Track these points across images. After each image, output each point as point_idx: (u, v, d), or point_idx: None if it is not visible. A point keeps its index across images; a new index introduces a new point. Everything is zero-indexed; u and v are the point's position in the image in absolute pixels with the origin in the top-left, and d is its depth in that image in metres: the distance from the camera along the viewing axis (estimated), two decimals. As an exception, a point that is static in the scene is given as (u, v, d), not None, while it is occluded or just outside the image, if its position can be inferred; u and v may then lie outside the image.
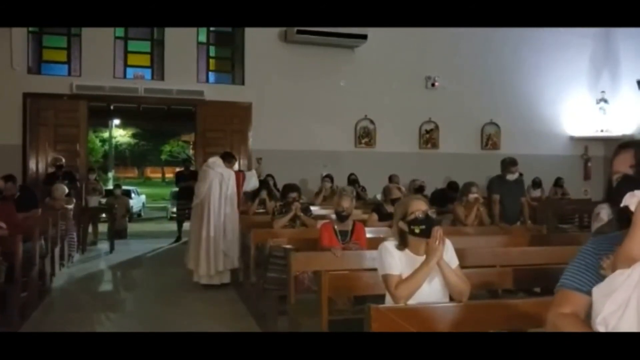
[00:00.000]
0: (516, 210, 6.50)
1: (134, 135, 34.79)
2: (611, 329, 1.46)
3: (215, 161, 6.74)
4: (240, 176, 6.81)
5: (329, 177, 9.36)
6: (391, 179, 9.22)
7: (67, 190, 8.13)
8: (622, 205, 1.61)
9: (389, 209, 5.77)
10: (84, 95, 9.71)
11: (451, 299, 2.74)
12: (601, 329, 1.49)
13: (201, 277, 6.47)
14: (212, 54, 10.97)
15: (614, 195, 1.79)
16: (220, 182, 6.56)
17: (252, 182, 7.04)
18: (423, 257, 2.72)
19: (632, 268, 1.49)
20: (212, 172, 6.62)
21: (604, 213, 3.25)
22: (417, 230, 2.75)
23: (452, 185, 9.12)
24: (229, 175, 6.64)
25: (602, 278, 1.58)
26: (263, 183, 8.07)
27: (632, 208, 1.55)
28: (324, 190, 9.05)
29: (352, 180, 9.83)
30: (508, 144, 11.48)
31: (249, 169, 8.73)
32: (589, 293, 1.57)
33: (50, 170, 9.41)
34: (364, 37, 10.29)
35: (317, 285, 3.47)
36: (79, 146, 10.00)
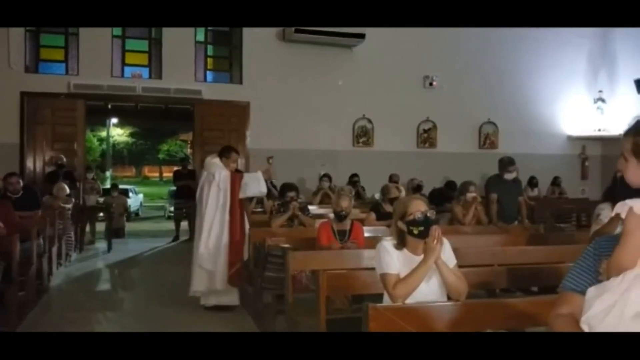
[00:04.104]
0: (514, 210, 6.49)
1: (131, 134, 34.79)
2: (593, 330, 1.49)
3: (210, 160, 5.52)
4: (236, 178, 5.44)
5: (327, 177, 9.35)
6: (391, 178, 9.22)
7: (68, 190, 8.13)
8: (613, 214, 1.62)
9: (387, 208, 5.76)
10: (81, 94, 9.68)
11: (449, 298, 2.74)
12: (585, 328, 1.52)
13: (201, 297, 5.52)
14: (210, 53, 10.95)
15: (617, 194, 1.77)
16: (210, 187, 5.39)
17: (250, 188, 5.49)
18: (421, 257, 2.72)
19: (622, 275, 1.50)
20: (204, 175, 5.56)
21: (605, 214, 3.24)
22: (415, 232, 2.75)
23: (450, 185, 9.13)
24: (224, 178, 5.39)
25: (599, 280, 1.59)
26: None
27: (623, 216, 1.55)
28: (322, 189, 9.04)
29: (354, 182, 9.81)
30: (506, 143, 11.48)
31: (247, 169, 8.63)
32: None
33: (50, 169, 9.38)
34: (362, 36, 10.27)
35: (315, 284, 3.47)
36: (77, 145, 9.97)
